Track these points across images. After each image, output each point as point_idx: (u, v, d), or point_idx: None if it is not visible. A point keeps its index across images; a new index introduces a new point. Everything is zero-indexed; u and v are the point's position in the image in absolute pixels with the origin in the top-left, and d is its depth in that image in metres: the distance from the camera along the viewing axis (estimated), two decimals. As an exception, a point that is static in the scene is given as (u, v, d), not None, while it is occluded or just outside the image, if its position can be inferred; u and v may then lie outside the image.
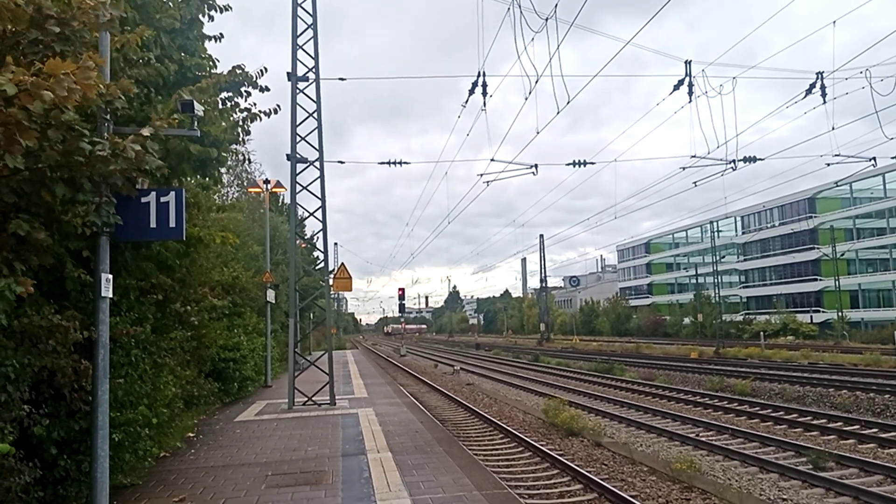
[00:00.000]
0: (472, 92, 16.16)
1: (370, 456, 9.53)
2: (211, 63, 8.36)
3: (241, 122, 8.02)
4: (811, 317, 63.54)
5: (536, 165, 20.88)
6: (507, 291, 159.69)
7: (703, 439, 13.53)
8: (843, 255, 59.82)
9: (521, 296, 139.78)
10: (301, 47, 15.39)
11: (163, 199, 6.90)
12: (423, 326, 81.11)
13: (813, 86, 17.18)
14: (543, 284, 76.45)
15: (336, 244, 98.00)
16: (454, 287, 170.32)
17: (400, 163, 20.60)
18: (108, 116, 6.25)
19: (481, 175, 21.76)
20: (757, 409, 18.07)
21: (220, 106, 7.97)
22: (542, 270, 74.45)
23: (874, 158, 21.26)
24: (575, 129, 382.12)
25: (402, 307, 58.99)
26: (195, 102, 6.60)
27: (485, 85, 15.80)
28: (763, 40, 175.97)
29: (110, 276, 6.61)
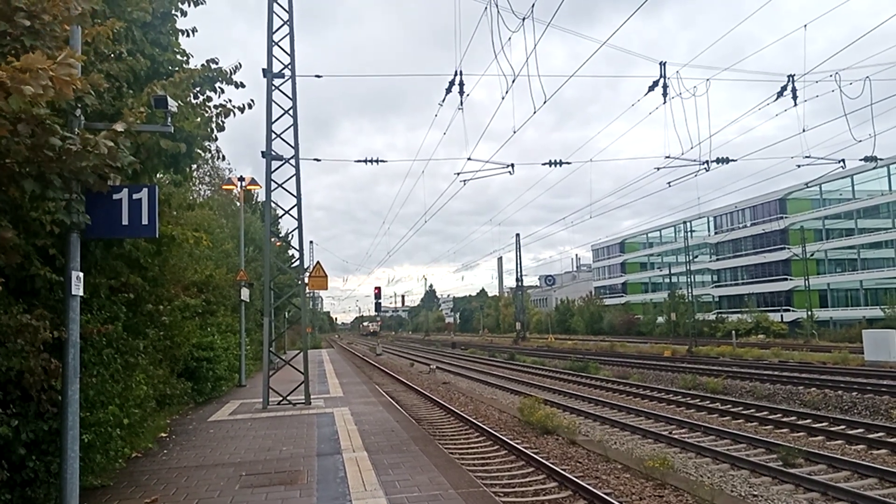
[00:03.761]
0: (448, 91, 16.16)
1: (346, 455, 9.49)
2: (184, 58, 8.26)
3: (214, 118, 7.93)
4: (781, 316, 64.59)
5: (513, 165, 20.94)
6: (483, 290, 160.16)
7: (677, 437, 13.68)
8: (812, 255, 60.87)
9: (498, 295, 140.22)
10: (277, 43, 15.27)
11: (135, 196, 6.79)
12: (377, 323, 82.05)
13: (784, 88, 17.45)
14: (519, 283, 76.78)
15: (312, 242, 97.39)
16: (430, 286, 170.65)
17: (377, 161, 20.52)
18: (78, 112, 6.14)
19: (458, 174, 21.78)
20: (728, 406, 18.32)
21: (194, 101, 7.89)
22: (518, 269, 74.83)
23: (843, 160, 21.65)
24: (562, 127, 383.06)
25: (378, 306, 58.81)
26: (168, 98, 6.51)
27: (461, 84, 15.82)
28: (751, 37, 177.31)
29: (81, 275, 6.50)
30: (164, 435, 11.71)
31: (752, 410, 17.45)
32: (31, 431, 6.40)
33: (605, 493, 9.01)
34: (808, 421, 15.67)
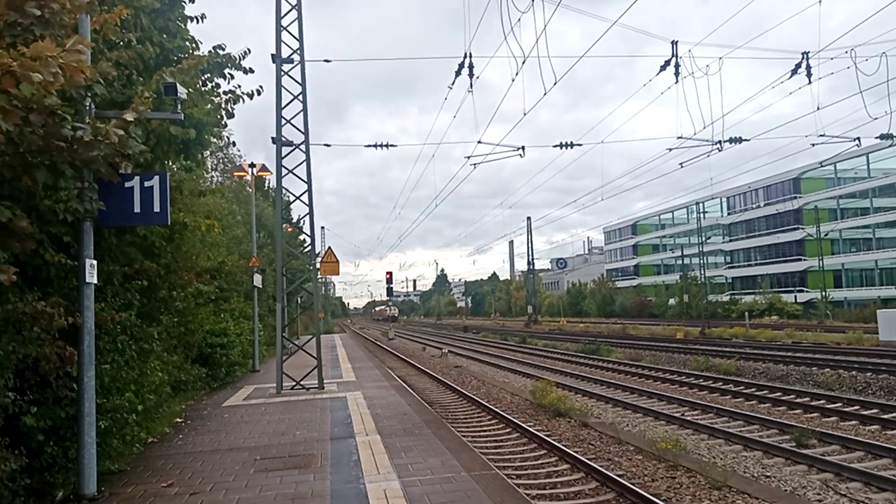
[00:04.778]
0: (458, 73, 16.06)
1: (359, 439, 9.56)
2: (193, 45, 8.26)
3: (223, 104, 7.94)
4: (795, 296, 64.23)
5: (523, 147, 20.84)
6: (494, 274, 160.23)
7: (689, 418, 13.68)
8: (826, 235, 60.34)
9: (509, 278, 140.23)
10: (286, 28, 15.21)
11: (147, 184, 6.85)
12: (394, 308, 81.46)
13: (799, 66, 17.21)
14: (531, 267, 76.73)
15: (323, 228, 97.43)
16: (442, 270, 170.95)
17: (387, 145, 20.49)
18: (88, 101, 6.16)
19: (468, 157, 21.71)
20: (741, 388, 18.27)
21: (203, 87, 7.90)
22: (530, 253, 74.76)
23: (858, 139, 21.38)
24: (577, 107, 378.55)
25: (389, 291, 59.01)
26: (178, 85, 6.53)
27: (471, 66, 15.72)
28: (770, 12, 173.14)
29: (94, 262, 6.57)
30: (179, 420, 11.84)
31: (765, 391, 17.40)
32: (49, 418, 6.50)
33: (618, 475, 9.03)
34: (822, 402, 15.60)
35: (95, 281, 6.63)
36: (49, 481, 6.64)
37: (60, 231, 6.38)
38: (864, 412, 14.04)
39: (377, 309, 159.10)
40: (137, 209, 6.82)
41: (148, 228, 8.13)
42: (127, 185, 6.77)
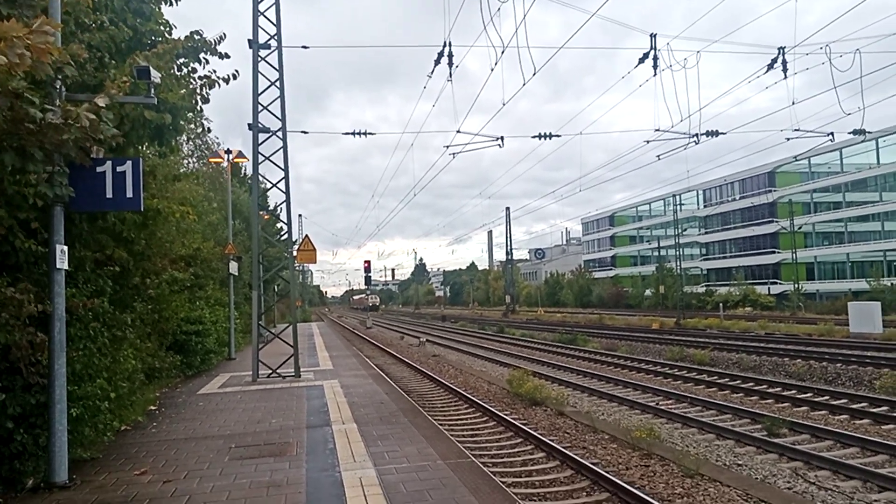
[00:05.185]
0: (437, 62, 15.98)
1: (335, 427, 9.54)
2: (167, 28, 8.12)
3: (198, 89, 7.82)
4: (769, 288, 65.10)
5: (502, 137, 20.82)
6: (473, 264, 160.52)
7: (663, 408, 13.83)
8: (800, 228, 61.16)
9: (488, 268, 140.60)
10: (263, 13, 15.01)
11: (119, 169, 6.74)
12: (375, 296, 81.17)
13: (775, 60, 17.35)
14: (509, 257, 77.04)
15: (301, 216, 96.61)
16: (421, 259, 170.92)
17: (366, 133, 20.35)
18: (58, 84, 6.03)
19: (447, 147, 21.66)
20: (715, 378, 18.51)
21: (178, 72, 7.77)
22: (508, 243, 75.04)
23: (832, 134, 21.63)
24: (558, 98, 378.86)
25: (367, 280, 58.83)
26: (151, 69, 6.41)
27: (450, 55, 15.64)
28: (748, 7, 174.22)
29: (65, 248, 6.46)
30: (153, 408, 11.72)
31: (738, 382, 17.64)
32: (18, 405, 6.39)
33: (592, 463, 9.12)
34: (793, 392, 15.87)
35: (66, 267, 6.52)
36: (19, 469, 6.54)
37: (30, 216, 6.26)
38: (834, 402, 14.30)
39: (356, 297, 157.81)
40: (109, 194, 6.70)
41: (119, 216, 8.00)
42: (99, 169, 6.65)
